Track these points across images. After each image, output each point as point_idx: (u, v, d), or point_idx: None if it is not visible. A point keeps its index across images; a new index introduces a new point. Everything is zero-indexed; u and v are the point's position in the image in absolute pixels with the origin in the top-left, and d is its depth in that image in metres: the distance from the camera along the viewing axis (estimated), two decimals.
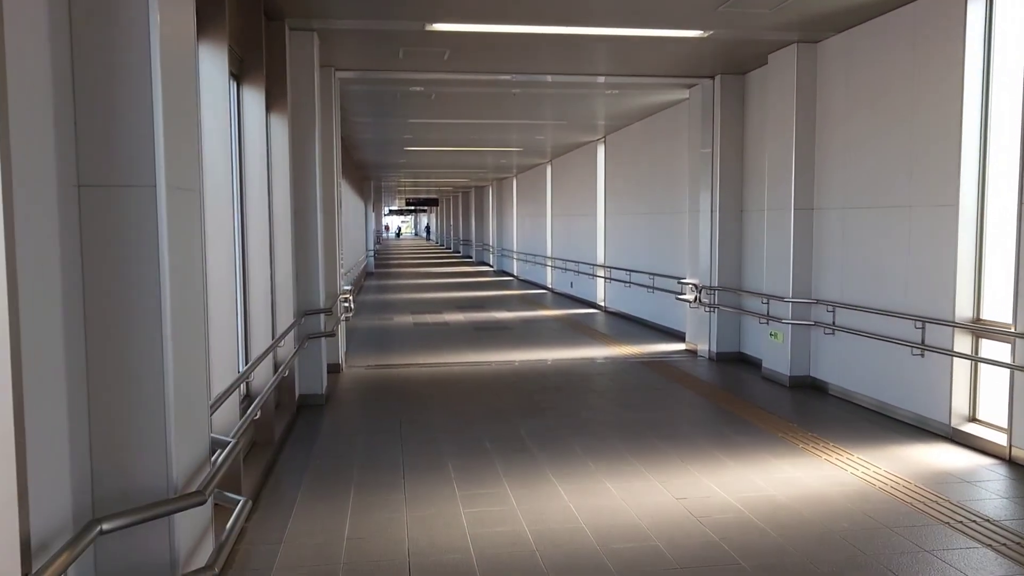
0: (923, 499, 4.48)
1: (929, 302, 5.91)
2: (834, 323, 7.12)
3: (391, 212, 65.93)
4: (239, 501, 2.59)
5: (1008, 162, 5.46)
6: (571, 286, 17.05)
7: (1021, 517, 4.22)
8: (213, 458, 2.62)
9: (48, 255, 1.96)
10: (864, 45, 6.68)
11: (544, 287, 19.64)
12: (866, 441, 5.69)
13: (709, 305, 9.15)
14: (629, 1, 6.06)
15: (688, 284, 9.64)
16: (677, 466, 5.13)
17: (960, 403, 5.73)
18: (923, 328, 5.94)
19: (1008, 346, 5.28)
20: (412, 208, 58.73)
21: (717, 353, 9.13)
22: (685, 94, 9.83)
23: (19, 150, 1.77)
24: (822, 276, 7.37)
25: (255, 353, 5.44)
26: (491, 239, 29.32)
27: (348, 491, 4.70)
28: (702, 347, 9.44)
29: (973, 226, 5.63)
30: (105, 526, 1.89)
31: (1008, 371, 5.19)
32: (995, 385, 5.56)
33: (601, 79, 8.96)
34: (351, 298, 8.47)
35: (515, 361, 9.16)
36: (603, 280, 14.77)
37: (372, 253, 27.45)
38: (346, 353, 9.35)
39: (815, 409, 6.74)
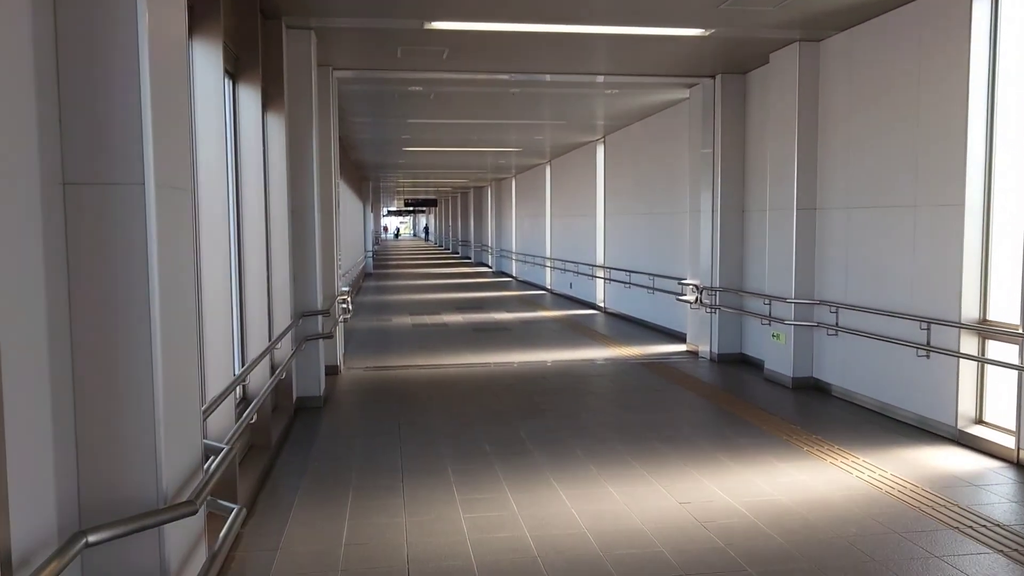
0: (931, 503, 4.40)
1: (934, 303, 5.83)
2: (837, 324, 7.05)
3: (390, 213, 65.84)
4: (233, 509, 2.51)
5: (1014, 160, 5.39)
6: (570, 287, 16.97)
7: None
8: (206, 465, 2.54)
9: (31, 255, 1.88)
10: (867, 43, 6.61)
11: (543, 288, 19.57)
12: (871, 443, 5.61)
13: (710, 306, 9.08)
14: None
15: (689, 285, 9.56)
16: (680, 469, 5.05)
17: (966, 405, 5.66)
18: (928, 329, 5.86)
19: (1015, 347, 5.21)
20: (411, 209, 58.64)
21: (718, 354, 9.06)
22: (685, 94, 9.76)
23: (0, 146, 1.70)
24: (825, 277, 7.29)
25: (251, 355, 5.36)
26: (490, 240, 29.25)
27: (346, 495, 4.62)
28: (703, 348, 9.37)
29: (979, 225, 5.56)
30: (91, 538, 1.81)
31: (1015, 372, 5.11)
32: (1002, 387, 5.49)
33: (601, 78, 8.89)
34: (349, 299, 8.40)
35: (514, 363, 9.08)
36: (603, 281, 14.69)
37: (370, 254, 27.36)
38: (344, 355, 9.26)
39: (818, 411, 6.67)
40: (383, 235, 64.41)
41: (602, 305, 14.73)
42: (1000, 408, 5.53)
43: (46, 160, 1.96)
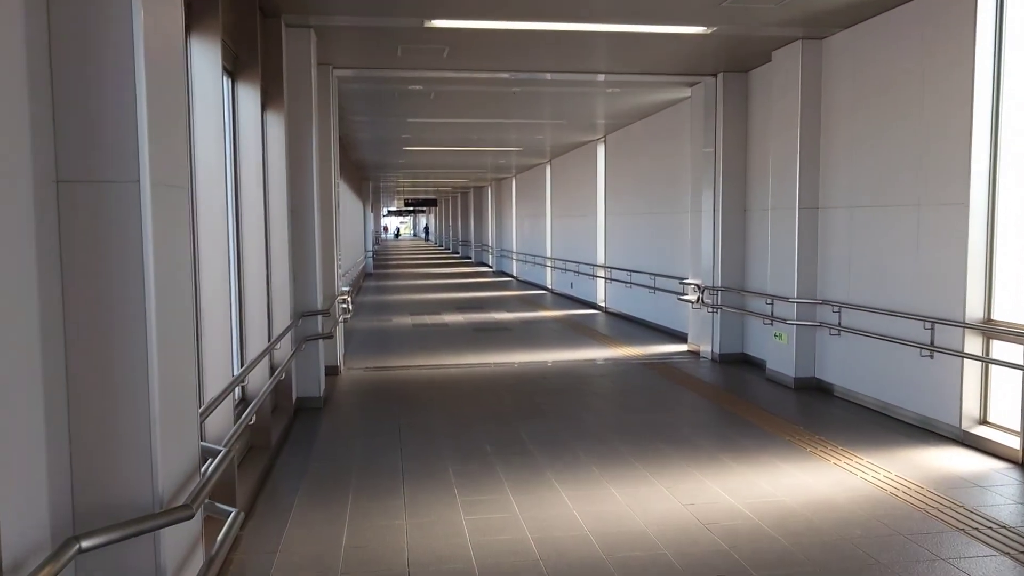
0: (936, 504, 4.36)
1: (938, 302, 5.79)
2: (840, 324, 7.00)
3: (390, 213, 65.82)
4: (230, 513, 2.47)
5: (1019, 158, 5.35)
6: (571, 287, 16.93)
7: None
8: (204, 468, 2.50)
9: (24, 253, 1.84)
10: (870, 41, 6.57)
11: (544, 288, 19.53)
12: (874, 444, 5.57)
13: (712, 306, 9.04)
14: None
15: (690, 284, 9.52)
16: (683, 470, 5.01)
17: (970, 405, 5.62)
18: (932, 329, 5.82)
19: (1020, 347, 5.17)
20: (411, 209, 58.61)
21: (720, 354, 9.02)
22: (687, 92, 9.72)
23: None
24: (828, 276, 7.25)
25: (251, 356, 5.32)
26: (490, 240, 29.21)
27: (346, 497, 4.58)
28: (704, 348, 9.33)
29: (984, 224, 5.52)
30: (84, 543, 1.77)
31: (1020, 372, 5.07)
32: (1006, 387, 5.45)
33: (601, 77, 8.85)
34: (349, 299, 8.35)
35: (515, 363, 9.04)
36: (603, 280, 14.65)
37: (371, 254, 27.33)
38: (344, 355, 9.22)
39: (821, 411, 6.63)
40: (383, 235, 64.38)
41: (603, 305, 14.69)
42: (1004, 408, 5.49)
43: (39, 158, 1.92)
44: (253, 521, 4.22)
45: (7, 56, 1.78)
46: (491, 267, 28.38)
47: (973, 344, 5.56)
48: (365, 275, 23.87)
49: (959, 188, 5.57)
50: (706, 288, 9.14)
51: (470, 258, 34.81)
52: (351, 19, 6.52)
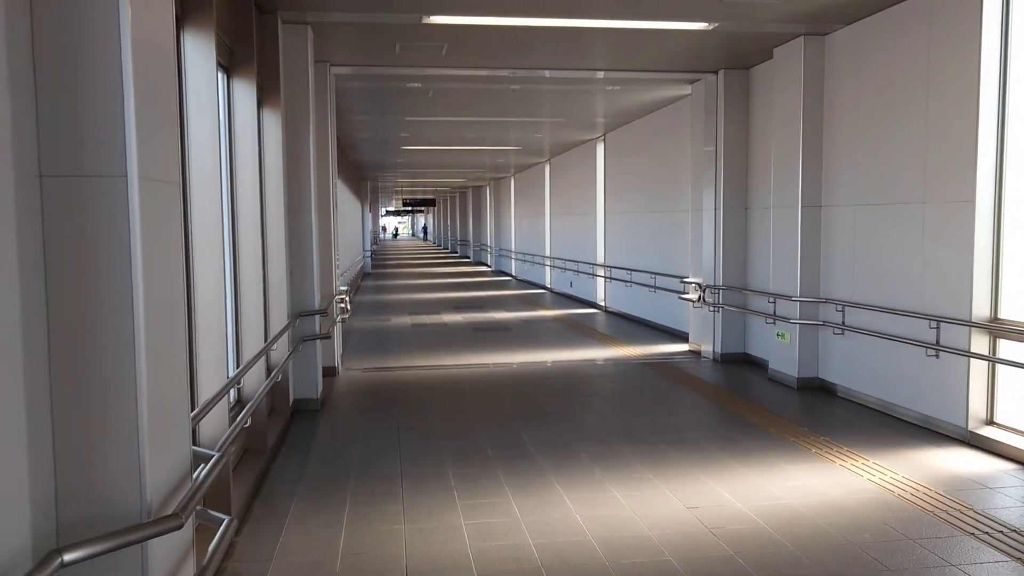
0: (945, 507, 4.28)
1: (944, 301, 5.72)
2: (843, 323, 6.92)
3: (388, 213, 65.72)
4: (223, 520, 2.38)
5: None
6: (570, 286, 16.85)
7: None
8: (195, 474, 2.41)
9: (4, 250, 1.75)
10: (874, 36, 6.49)
11: (543, 287, 19.45)
12: (880, 445, 5.49)
13: (713, 305, 8.96)
14: None
15: (691, 283, 9.44)
16: (686, 473, 4.93)
17: (977, 405, 5.54)
18: (938, 328, 5.74)
19: None
20: (409, 209, 58.51)
21: (721, 354, 8.94)
22: (687, 90, 9.64)
23: None
24: (831, 275, 7.17)
25: (247, 357, 5.23)
26: (489, 239, 29.12)
27: (344, 502, 4.50)
28: (706, 348, 9.25)
29: (990, 221, 5.44)
30: (67, 556, 1.68)
31: None
32: (1014, 387, 5.37)
33: (601, 74, 8.77)
34: (347, 299, 8.27)
35: (514, 363, 8.96)
36: (603, 279, 14.57)
37: (369, 254, 27.24)
38: (342, 356, 9.13)
39: (825, 412, 6.55)
40: (381, 235, 64.28)
41: (603, 304, 14.61)
42: (1012, 409, 5.41)
43: (20, 151, 1.83)
44: (248, 527, 4.13)
45: None
46: (490, 266, 28.29)
47: (980, 343, 5.48)
48: (363, 275, 23.79)
49: (965, 185, 5.49)
50: (707, 287, 9.06)
51: (469, 258, 34.73)
52: (348, 15, 6.43)
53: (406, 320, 13.07)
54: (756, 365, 8.58)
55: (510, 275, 24.10)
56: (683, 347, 9.96)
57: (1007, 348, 5.40)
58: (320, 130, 7.46)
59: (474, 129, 13.54)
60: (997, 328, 5.38)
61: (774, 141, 7.75)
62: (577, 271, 16.09)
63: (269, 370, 5.80)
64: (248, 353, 5.29)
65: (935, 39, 5.78)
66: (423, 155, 18.05)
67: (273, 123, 6.19)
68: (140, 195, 1.98)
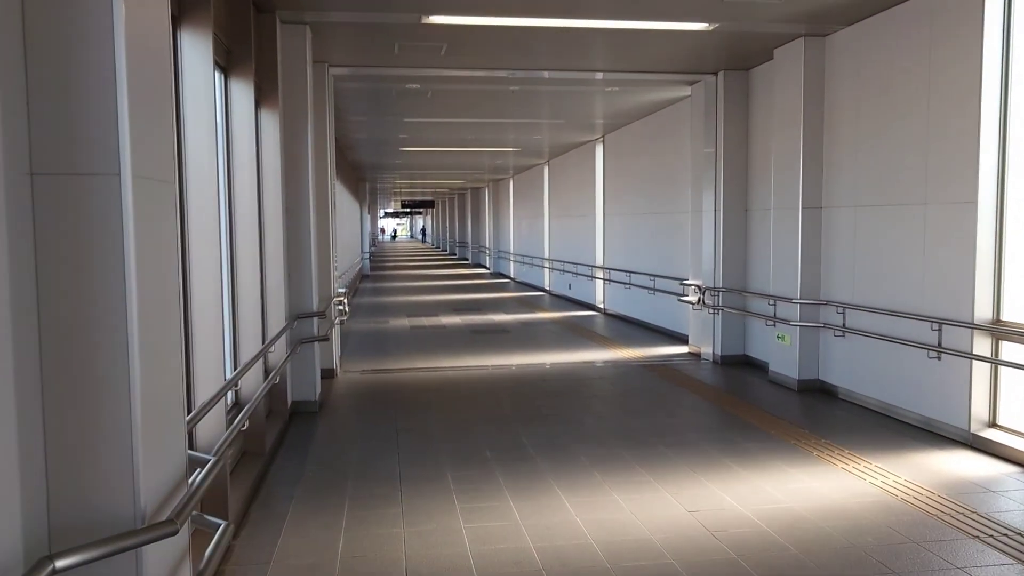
0: (948, 511, 4.25)
1: (946, 303, 5.68)
2: (844, 325, 6.89)
3: (387, 215, 65.66)
4: (219, 526, 2.34)
5: None
6: (569, 288, 16.82)
7: None
8: (191, 479, 2.37)
9: None
10: (875, 37, 6.47)
11: (541, 289, 19.41)
12: (882, 448, 5.46)
13: (713, 307, 8.92)
14: None
15: (691, 285, 9.41)
16: (687, 476, 4.89)
17: (979, 408, 5.51)
18: (940, 330, 5.71)
19: None
20: (408, 210, 58.47)
21: (721, 356, 8.90)
22: (686, 91, 9.62)
23: None
24: (832, 276, 7.14)
25: (244, 359, 5.19)
26: (487, 241, 29.09)
27: (342, 505, 4.45)
28: (706, 350, 9.21)
29: (992, 222, 5.41)
30: (59, 563, 1.64)
31: None
32: (1017, 389, 5.34)
33: (600, 75, 8.74)
34: (346, 301, 8.23)
35: (513, 365, 8.92)
36: (602, 282, 14.54)
37: (367, 255, 27.19)
38: (341, 358, 9.09)
39: (826, 414, 6.51)
40: (380, 237, 64.23)
41: (601, 306, 14.57)
42: (1015, 411, 5.38)
43: (11, 149, 1.79)
44: (246, 530, 4.09)
45: None
46: (488, 268, 28.25)
47: (982, 345, 5.45)
48: (362, 277, 23.74)
49: (967, 186, 5.46)
50: (707, 289, 9.02)
51: (467, 260, 34.70)
52: (347, 15, 6.39)
53: (404, 322, 13.02)
54: (756, 367, 8.55)
55: (508, 277, 24.06)
56: (683, 349, 9.92)
57: (1009, 350, 5.36)
58: (318, 131, 7.43)
59: (473, 130, 13.50)
60: (999, 330, 5.35)
61: (774, 142, 7.72)
62: (576, 273, 16.06)
63: (267, 372, 5.75)
64: (246, 355, 5.25)
65: (936, 39, 5.75)
66: (422, 156, 18.02)
67: (271, 123, 6.15)
68: (134, 193, 1.94)
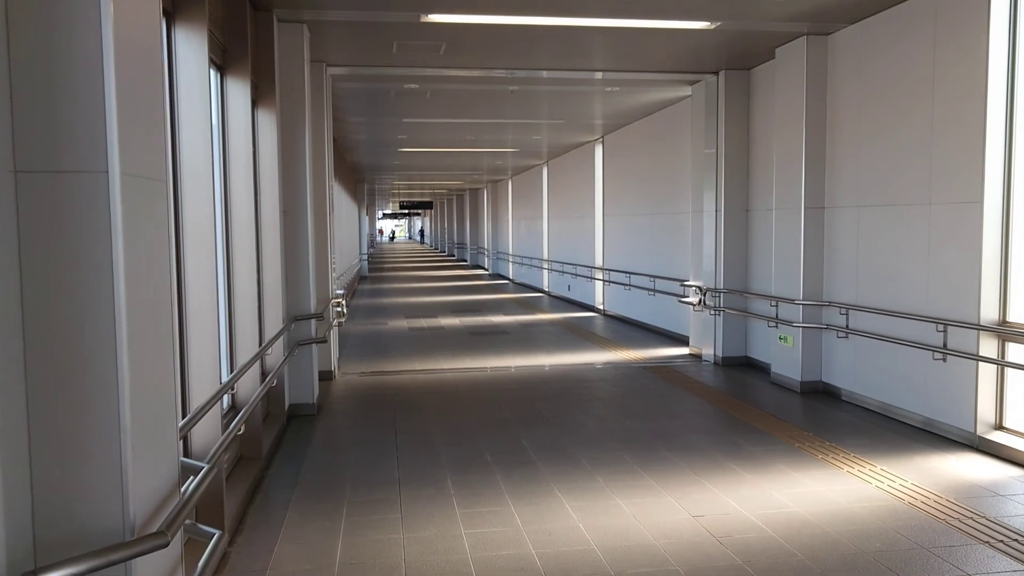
0: (957, 515, 4.18)
1: (951, 304, 5.62)
2: (847, 326, 6.83)
3: (385, 216, 65.58)
4: (213, 535, 2.26)
5: None
6: (568, 289, 16.74)
7: None
8: (184, 487, 2.30)
9: None
10: (878, 35, 6.40)
11: (540, 290, 19.34)
12: (887, 450, 5.39)
13: (714, 308, 8.86)
14: None
15: (692, 286, 9.34)
16: (690, 479, 4.82)
17: (986, 410, 5.44)
18: (945, 331, 5.65)
19: None
20: (406, 211, 58.40)
21: (723, 357, 8.83)
22: (687, 91, 9.55)
23: None
24: (834, 277, 7.08)
25: (241, 362, 5.11)
26: (486, 242, 29.02)
27: (340, 510, 4.38)
28: (707, 351, 9.14)
29: (999, 223, 5.35)
30: None
31: None
32: (1023, 391, 5.28)
33: (600, 75, 8.67)
34: (344, 302, 8.15)
35: (512, 367, 8.85)
36: (602, 283, 14.47)
37: (366, 257, 27.11)
38: (339, 360, 9.02)
39: (830, 416, 6.45)
40: (378, 238, 64.14)
41: (601, 307, 14.50)
42: (1021, 413, 5.32)
43: None
44: (242, 536, 4.01)
45: None
46: (487, 270, 28.18)
47: (988, 347, 5.39)
48: (360, 278, 23.66)
49: (972, 185, 5.40)
50: (708, 290, 8.96)
51: (466, 261, 34.62)
52: (345, 13, 6.32)
53: (403, 324, 12.95)
54: (758, 369, 8.48)
55: (507, 279, 23.99)
56: (683, 351, 9.85)
57: (1016, 352, 5.30)
58: (316, 131, 7.35)
59: (472, 131, 13.44)
60: (1006, 331, 5.28)
61: (776, 142, 7.66)
62: (575, 274, 15.99)
63: (264, 375, 5.68)
64: (242, 358, 5.17)
65: (941, 37, 5.69)
66: (420, 157, 17.95)
67: (268, 123, 6.07)
68: (122, 192, 1.86)
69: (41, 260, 1.83)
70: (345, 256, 16.25)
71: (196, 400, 3.81)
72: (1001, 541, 3.83)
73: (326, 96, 7.82)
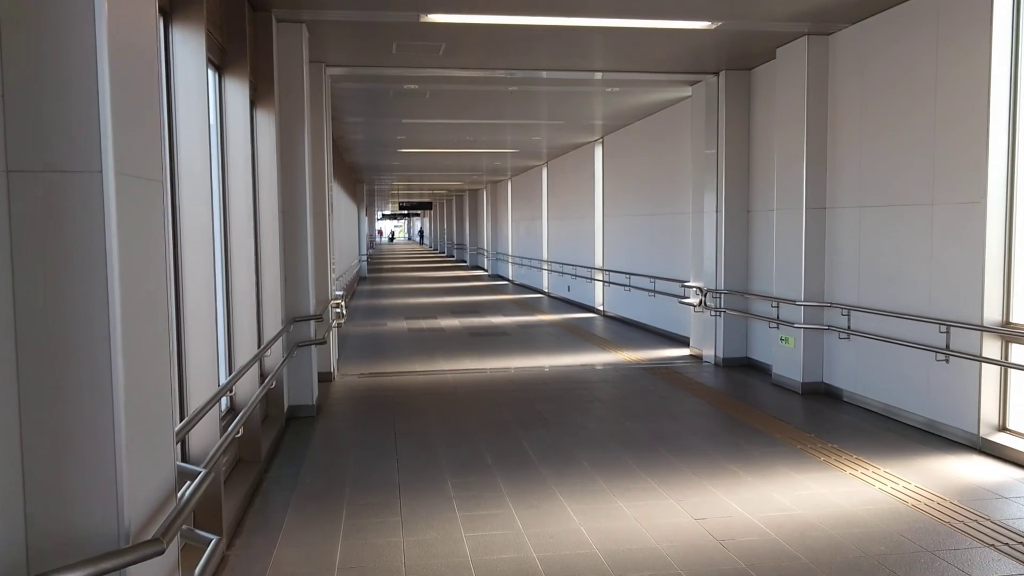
0: (961, 518, 4.14)
1: (954, 304, 5.59)
2: (849, 327, 6.80)
3: (384, 216, 65.55)
4: (210, 541, 2.23)
5: None
6: (568, 290, 16.71)
7: None
8: (180, 492, 2.26)
9: None
10: (880, 35, 6.37)
11: (540, 291, 19.31)
12: (890, 452, 5.36)
13: (715, 309, 8.82)
14: None
15: (692, 287, 9.31)
16: (692, 482, 4.78)
17: (989, 412, 5.41)
18: (947, 332, 5.62)
19: None
20: (405, 212, 58.37)
21: (723, 359, 8.80)
22: (687, 91, 9.52)
23: None
24: (836, 278, 7.05)
25: (239, 364, 5.08)
26: (485, 243, 28.99)
27: (339, 513, 4.34)
28: (707, 352, 9.11)
29: (1002, 223, 5.32)
30: None
31: None
32: None
33: (600, 75, 8.64)
34: (343, 303, 8.11)
35: (512, 368, 8.81)
36: (601, 284, 14.43)
37: (365, 257, 27.08)
38: (338, 361, 8.98)
39: (832, 418, 6.41)
40: (378, 239, 64.10)
41: (601, 308, 14.47)
42: None
43: None
44: (240, 540, 3.97)
45: None
46: (486, 270, 28.14)
47: (991, 348, 5.35)
48: (359, 279, 23.63)
49: (975, 185, 5.37)
50: (709, 291, 8.92)
51: (465, 261, 34.58)
52: (345, 13, 6.29)
53: (402, 325, 12.91)
54: (759, 370, 8.45)
55: (507, 279, 23.96)
56: (684, 352, 9.82)
57: (1020, 353, 5.27)
58: (315, 132, 7.32)
59: (471, 131, 13.40)
60: (1010, 332, 5.25)
61: (777, 142, 7.63)
62: (575, 275, 15.95)
63: (263, 377, 5.64)
64: (241, 360, 5.13)
65: (943, 37, 5.66)
66: (420, 158, 17.91)
67: (267, 123, 6.04)
68: (117, 191, 1.83)
69: (34, 261, 1.79)
70: (344, 257, 16.21)
71: (194, 402, 3.77)
72: (1007, 544, 3.79)
73: (325, 96, 7.79)
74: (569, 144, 15.50)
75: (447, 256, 42.05)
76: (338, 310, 7.93)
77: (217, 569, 3.50)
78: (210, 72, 4.83)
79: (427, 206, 45.91)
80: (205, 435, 3.69)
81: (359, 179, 24.98)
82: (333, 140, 11.14)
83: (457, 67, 8.10)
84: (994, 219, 5.30)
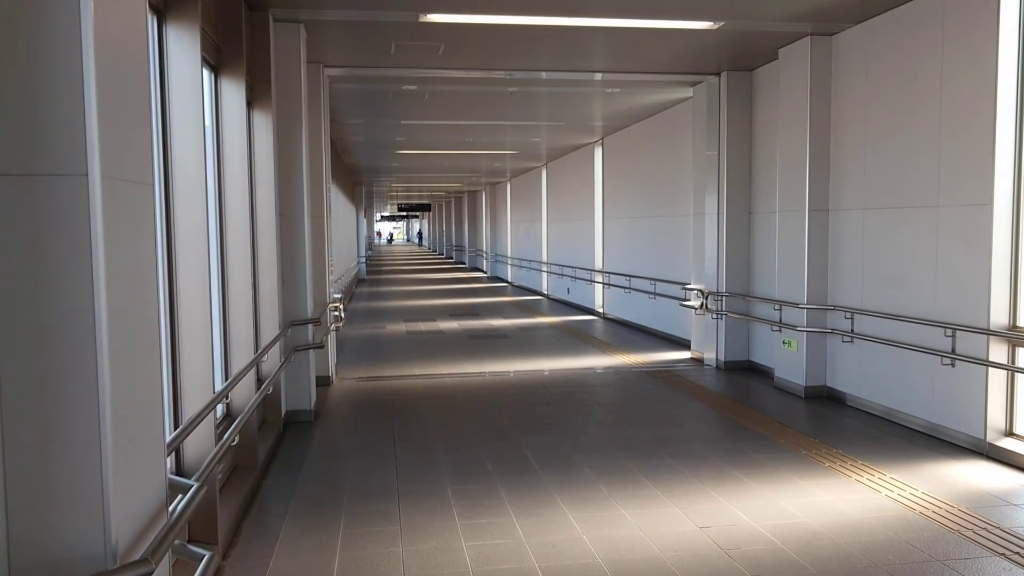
0: (971, 526, 4.07)
1: (960, 308, 5.52)
2: (852, 330, 6.72)
3: (383, 218, 65.46)
4: (203, 556, 2.15)
5: None
6: (568, 292, 16.64)
7: None
8: (172, 506, 2.18)
9: None
10: (884, 35, 6.31)
11: (539, 293, 19.23)
12: (896, 458, 5.28)
13: (716, 312, 8.75)
14: None
15: (694, 290, 9.24)
16: (696, 489, 4.71)
17: (996, 416, 5.34)
18: (953, 336, 5.54)
19: None
20: (404, 214, 58.28)
21: (725, 362, 8.73)
22: (688, 92, 9.45)
23: None
24: (839, 281, 6.97)
25: (236, 369, 5.00)
26: (485, 245, 28.91)
27: (337, 521, 4.26)
28: (709, 355, 9.04)
29: (1009, 225, 5.25)
30: None
31: None
32: None
33: (600, 76, 8.57)
34: (341, 307, 8.03)
35: (512, 372, 8.73)
36: (601, 286, 14.36)
37: (363, 259, 27.00)
38: (336, 365, 8.90)
39: (836, 422, 6.34)
40: (376, 240, 64.01)
41: (601, 311, 14.39)
42: None
43: None
44: (236, 550, 3.89)
45: None
46: (485, 272, 28.07)
47: (998, 352, 5.28)
48: (358, 281, 23.54)
49: (982, 187, 5.30)
50: (710, 293, 8.85)
51: (464, 263, 34.50)
52: (343, 13, 6.21)
53: (401, 327, 12.83)
54: (761, 373, 8.38)
55: (506, 281, 23.88)
56: (685, 355, 9.75)
57: None
58: (313, 133, 7.24)
59: (470, 133, 13.33)
60: (1016, 336, 5.18)
61: (779, 144, 7.56)
62: (575, 277, 15.88)
63: (260, 382, 5.56)
64: (237, 365, 5.05)
65: (949, 37, 5.59)
66: (418, 159, 17.84)
67: (264, 125, 5.96)
68: (103, 196, 1.75)
69: (16, 266, 1.72)
70: (343, 259, 16.13)
71: (189, 410, 3.69)
72: (1017, 553, 3.72)
73: (323, 97, 7.71)
74: (569, 145, 15.43)
75: (446, 258, 41.97)
76: (336, 313, 7.86)
77: None
78: (205, 72, 4.76)
79: (426, 208, 45.82)
80: (200, 443, 3.61)
81: (357, 181, 24.90)
82: (331, 141, 11.06)
83: (456, 68, 8.03)
84: (1001, 221, 5.23)
